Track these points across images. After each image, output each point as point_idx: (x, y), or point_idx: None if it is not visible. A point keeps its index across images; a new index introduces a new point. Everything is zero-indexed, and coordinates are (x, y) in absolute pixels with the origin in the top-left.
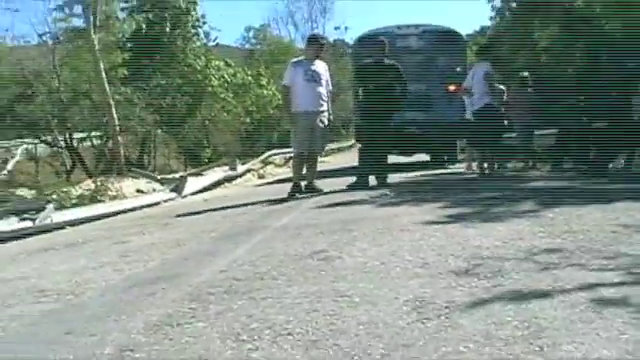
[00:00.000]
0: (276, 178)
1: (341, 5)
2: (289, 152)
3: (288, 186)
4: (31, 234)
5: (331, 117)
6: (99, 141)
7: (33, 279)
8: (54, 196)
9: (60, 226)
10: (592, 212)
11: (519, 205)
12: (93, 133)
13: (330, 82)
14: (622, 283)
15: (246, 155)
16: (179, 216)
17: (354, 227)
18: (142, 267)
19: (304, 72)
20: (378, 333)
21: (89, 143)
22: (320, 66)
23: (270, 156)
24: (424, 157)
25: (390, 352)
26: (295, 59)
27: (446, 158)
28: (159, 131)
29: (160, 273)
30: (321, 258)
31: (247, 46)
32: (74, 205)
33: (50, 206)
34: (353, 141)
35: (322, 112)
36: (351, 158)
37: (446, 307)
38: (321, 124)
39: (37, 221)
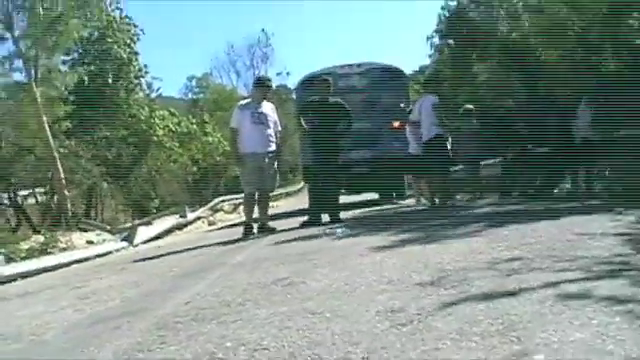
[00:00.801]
0: (227, 224)
1: (282, 51)
2: (238, 198)
3: (240, 230)
4: None
5: (281, 156)
6: (44, 197)
7: None
8: (2, 250)
9: (11, 279)
10: (545, 227)
11: (473, 226)
12: (38, 189)
13: (279, 123)
14: (585, 279)
15: (194, 203)
16: (134, 262)
17: (314, 257)
18: (103, 306)
19: (251, 114)
20: (355, 341)
21: (34, 200)
22: (267, 108)
23: (219, 203)
24: (373, 195)
25: (370, 355)
26: (242, 102)
27: (394, 195)
28: (105, 184)
29: (123, 310)
30: (285, 284)
31: (190, 95)
32: (24, 258)
33: (0, 258)
34: (301, 185)
35: (270, 152)
36: (300, 201)
37: (418, 314)
38: (270, 163)
39: None
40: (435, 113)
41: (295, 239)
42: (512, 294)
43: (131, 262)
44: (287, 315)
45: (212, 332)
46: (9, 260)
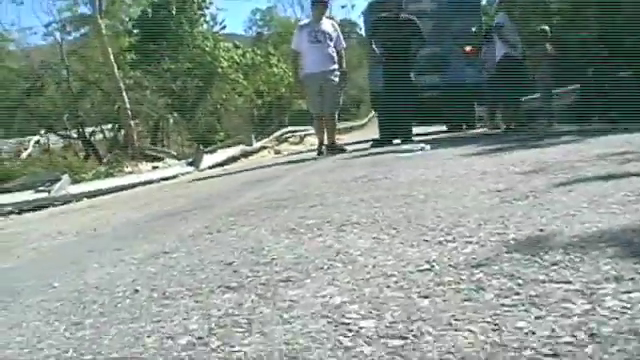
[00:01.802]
0: (293, 153)
1: None
2: (303, 130)
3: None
4: (46, 206)
5: (346, 76)
6: (111, 133)
7: (54, 226)
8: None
9: (77, 198)
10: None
11: (562, 138)
12: (105, 126)
13: (342, 39)
14: None
15: (259, 135)
16: (203, 179)
17: (393, 163)
18: (170, 206)
19: (308, 34)
20: (462, 212)
21: (101, 136)
22: (327, 25)
23: (284, 134)
24: (442, 128)
25: (485, 222)
26: (302, 22)
27: (464, 126)
28: (171, 117)
29: (190, 206)
30: (365, 180)
31: (254, 29)
32: (90, 180)
33: (65, 177)
34: (366, 120)
35: (331, 72)
36: (365, 135)
37: (531, 191)
38: (330, 83)
39: (52, 192)
40: (500, 32)
41: (369, 154)
42: (638, 175)
43: (199, 180)
44: (374, 198)
45: (289, 214)
46: (75, 181)
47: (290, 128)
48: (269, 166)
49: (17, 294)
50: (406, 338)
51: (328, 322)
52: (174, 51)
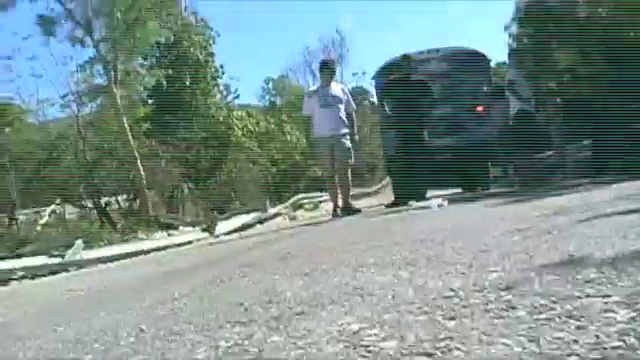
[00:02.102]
0: (309, 220)
1: (357, 51)
2: (318, 197)
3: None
4: (59, 272)
5: (356, 137)
6: (126, 203)
7: (64, 284)
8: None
9: (90, 263)
10: None
11: (576, 188)
12: (120, 197)
13: (352, 101)
14: None
15: (274, 202)
16: (216, 244)
17: (408, 218)
18: (183, 264)
19: (319, 99)
20: (485, 249)
21: (116, 206)
22: (337, 89)
23: (299, 200)
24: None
25: (509, 256)
26: (310, 88)
27: (479, 188)
28: (186, 186)
29: (203, 263)
30: (381, 232)
31: (267, 98)
32: (104, 246)
33: (79, 242)
34: (380, 185)
35: (342, 135)
36: (379, 200)
37: (553, 228)
38: (342, 145)
39: (66, 257)
40: (513, 88)
41: (385, 213)
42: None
43: (213, 244)
44: (391, 244)
45: (304, 263)
46: (89, 247)
47: (305, 194)
48: (284, 229)
49: (19, 339)
50: (432, 355)
51: (345, 346)
52: (189, 121)
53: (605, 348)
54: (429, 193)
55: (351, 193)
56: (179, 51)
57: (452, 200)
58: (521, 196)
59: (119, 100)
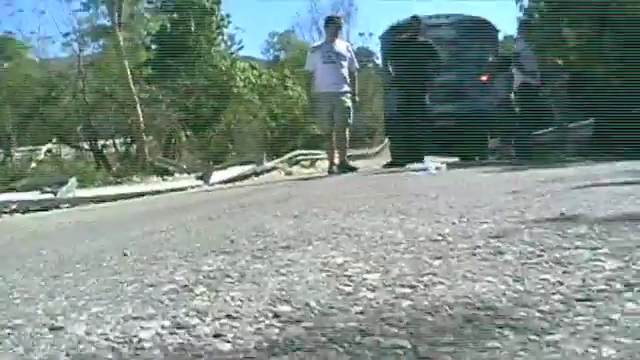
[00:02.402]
0: (304, 175)
1: (365, 11)
2: (316, 154)
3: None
4: (51, 208)
5: (356, 97)
6: (123, 147)
7: (55, 218)
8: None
9: (84, 201)
10: None
11: (575, 162)
12: (117, 140)
13: (355, 60)
14: None
15: (272, 156)
16: (211, 191)
17: (405, 177)
18: (176, 204)
19: (322, 54)
20: (477, 204)
21: (113, 150)
22: (341, 46)
23: (296, 156)
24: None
25: (501, 211)
26: (314, 44)
27: (477, 158)
28: (183, 134)
29: (196, 204)
30: (376, 186)
31: (272, 52)
32: (98, 186)
33: (72, 180)
34: (379, 148)
35: (343, 93)
36: (378, 162)
37: (548, 192)
38: (342, 103)
39: (59, 194)
40: (518, 61)
41: (382, 172)
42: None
43: (208, 191)
44: (385, 196)
45: (296, 205)
46: (82, 187)
47: (302, 151)
48: (279, 181)
49: (2, 258)
50: (415, 287)
51: (328, 275)
52: (191, 68)
53: (591, 290)
54: (427, 159)
55: (349, 153)
56: None
57: (449, 165)
58: (520, 166)
59: (122, 43)
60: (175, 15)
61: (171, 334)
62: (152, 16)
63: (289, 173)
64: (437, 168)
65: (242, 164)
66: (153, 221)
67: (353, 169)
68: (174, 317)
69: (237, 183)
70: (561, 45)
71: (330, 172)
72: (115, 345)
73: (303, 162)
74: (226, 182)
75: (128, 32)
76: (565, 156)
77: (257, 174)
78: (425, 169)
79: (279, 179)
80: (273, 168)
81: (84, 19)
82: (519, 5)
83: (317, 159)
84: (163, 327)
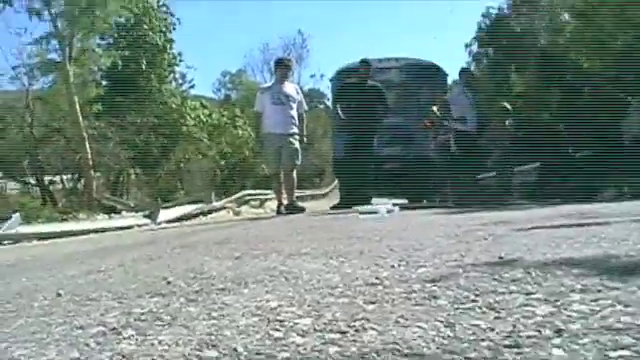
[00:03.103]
0: (254, 216)
1: (317, 54)
2: (265, 194)
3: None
4: None
5: (305, 139)
6: (71, 183)
7: None
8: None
9: (27, 237)
10: None
11: (519, 206)
12: (65, 176)
13: (304, 103)
14: None
15: (220, 195)
16: (157, 230)
17: (352, 219)
18: (118, 243)
19: (271, 96)
20: (419, 247)
21: (60, 186)
22: (290, 88)
23: (245, 196)
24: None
25: (441, 254)
26: (264, 85)
27: (425, 201)
28: (132, 171)
29: (137, 244)
30: (321, 228)
31: (223, 91)
32: (42, 223)
33: (16, 216)
34: (328, 189)
35: (291, 134)
36: (327, 204)
37: (490, 235)
38: (290, 145)
39: (1, 230)
40: (446, 106)
41: (330, 214)
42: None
43: (155, 230)
44: (328, 238)
45: (237, 247)
46: (27, 223)
47: (251, 191)
48: (227, 222)
49: None
50: (346, 332)
51: (260, 319)
52: (141, 105)
53: (520, 337)
54: (377, 201)
55: (298, 194)
56: (138, 33)
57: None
58: (465, 208)
59: (72, 78)
60: (127, 52)
61: None
62: (104, 52)
63: (238, 213)
64: (389, 211)
65: (190, 203)
66: (93, 260)
67: (301, 210)
68: None
69: (184, 222)
70: (508, 91)
71: (278, 213)
72: None
73: (252, 202)
74: (173, 221)
75: (79, 67)
76: (510, 200)
77: (205, 213)
78: (376, 212)
79: (227, 219)
80: (222, 208)
81: (34, 53)
82: (468, 51)
83: (266, 199)
84: None
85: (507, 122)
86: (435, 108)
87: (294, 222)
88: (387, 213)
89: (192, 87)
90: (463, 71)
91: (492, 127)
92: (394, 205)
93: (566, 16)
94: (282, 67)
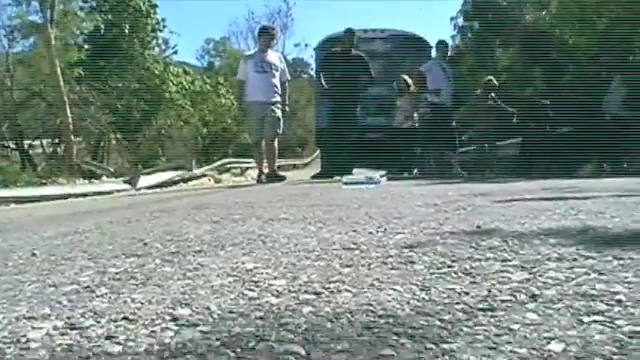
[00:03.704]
0: (233, 184)
1: (302, 23)
2: (246, 162)
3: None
4: None
5: (287, 108)
6: (51, 148)
7: None
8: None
9: (4, 201)
10: None
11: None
12: (45, 140)
13: (287, 72)
14: None
15: (201, 163)
16: (137, 195)
17: (332, 188)
18: (97, 207)
19: (254, 64)
20: (397, 215)
21: (40, 150)
22: (273, 56)
23: (226, 164)
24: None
25: (419, 222)
26: (247, 53)
27: (405, 173)
28: (113, 136)
29: (117, 208)
30: (301, 195)
31: (207, 59)
32: (21, 186)
33: None
34: (310, 159)
35: (273, 103)
36: (309, 174)
37: (469, 206)
38: (272, 113)
39: None
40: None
41: (311, 183)
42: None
43: (134, 195)
44: (307, 205)
45: (216, 212)
46: (5, 186)
47: (232, 159)
48: (207, 188)
49: None
50: (320, 294)
51: (235, 280)
52: (123, 70)
53: (495, 301)
54: (362, 172)
55: (280, 163)
56: None
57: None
58: (447, 179)
59: (53, 41)
60: (110, 16)
61: (62, 335)
62: (86, 15)
63: (218, 181)
64: (375, 182)
65: (171, 170)
66: (70, 223)
67: (282, 178)
68: (69, 318)
69: (165, 189)
70: (494, 66)
71: (259, 181)
72: (0, 345)
73: (233, 170)
74: (153, 187)
75: (60, 30)
76: (489, 173)
77: (186, 181)
78: (362, 182)
79: (208, 186)
80: (202, 175)
81: (15, 14)
82: (453, 24)
83: (247, 168)
84: (55, 328)
85: (491, 95)
86: (406, 77)
87: (274, 190)
88: (372, 185)
89: (175, 53)
90: (439, 43)
91: (475, 99)
92: (381, 176)
93: None
94: (266, 35)
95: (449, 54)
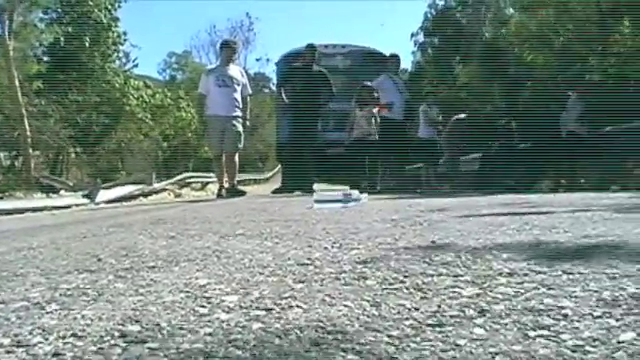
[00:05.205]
0: (193, 198)
1: (264, 37)
2: (206, 177)
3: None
4: None
5: (247, 122)
6: (8, 161)
7: None
8: None
9: None
10: None
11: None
12: (1, 153)
13: (248, 86)
14: None
15: (162, 177)
16: (95, 210)
17: (294, 203)
18: (53, 222)
19: (216, 78)
20: (354, 231)
21: None
22: (235, 71)
23: (187, 178)
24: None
25: (375, 237)
26: (209, 66)
27: (367, 189)
28: (72, 150)
29: (72, 222)
30: (259, 210)
31: (168, 72)
32: None
33: None
34: (271, 174)
35: (234, 117)
36: (269, 189)
37: (426, 221)
38: (233, 128)
39: None
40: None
41: (271, 198)
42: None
43: (93, 210)
44: (265, 220)
45: (173, 228)
46: None
47: (193, 173)
48: (167, 203)
49: None
50: (271, 310)
51: (187, 296)
52: (83, 83)
53: (444, 316)
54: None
55: (241, 178)
56: (82, 10)
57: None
58: (406, 194)
59: (12, 52)
60: (70, 28)
61: (8, 353)
62: (46, 27)
63: (178, 195)
64: (353, 200)
65: (131, 184)
66: (25, 238)
67: (242, 193)
68: (16, 335)
69: (124, 203)
70: (453, 82)
71: (219, 196)
72: None
73: (193, 185)
74: (113, 201)
75: (19, 42)
76: (441, 188)
77: (145, 195)
78: (338, 200)
79: (168, 201)
80: (162, 189)
81: None
82: (413, 40)
83: (208, 182)
84: (1, 345)
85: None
86: (369, 83)
87: (233, 205)
88: (352, 203)
89: (136, 66)
90: (391, 57)
91: (448, 133)
92: (361, 192)
93: (511, 9)
94: (228, 49)
95: (409, 69)
